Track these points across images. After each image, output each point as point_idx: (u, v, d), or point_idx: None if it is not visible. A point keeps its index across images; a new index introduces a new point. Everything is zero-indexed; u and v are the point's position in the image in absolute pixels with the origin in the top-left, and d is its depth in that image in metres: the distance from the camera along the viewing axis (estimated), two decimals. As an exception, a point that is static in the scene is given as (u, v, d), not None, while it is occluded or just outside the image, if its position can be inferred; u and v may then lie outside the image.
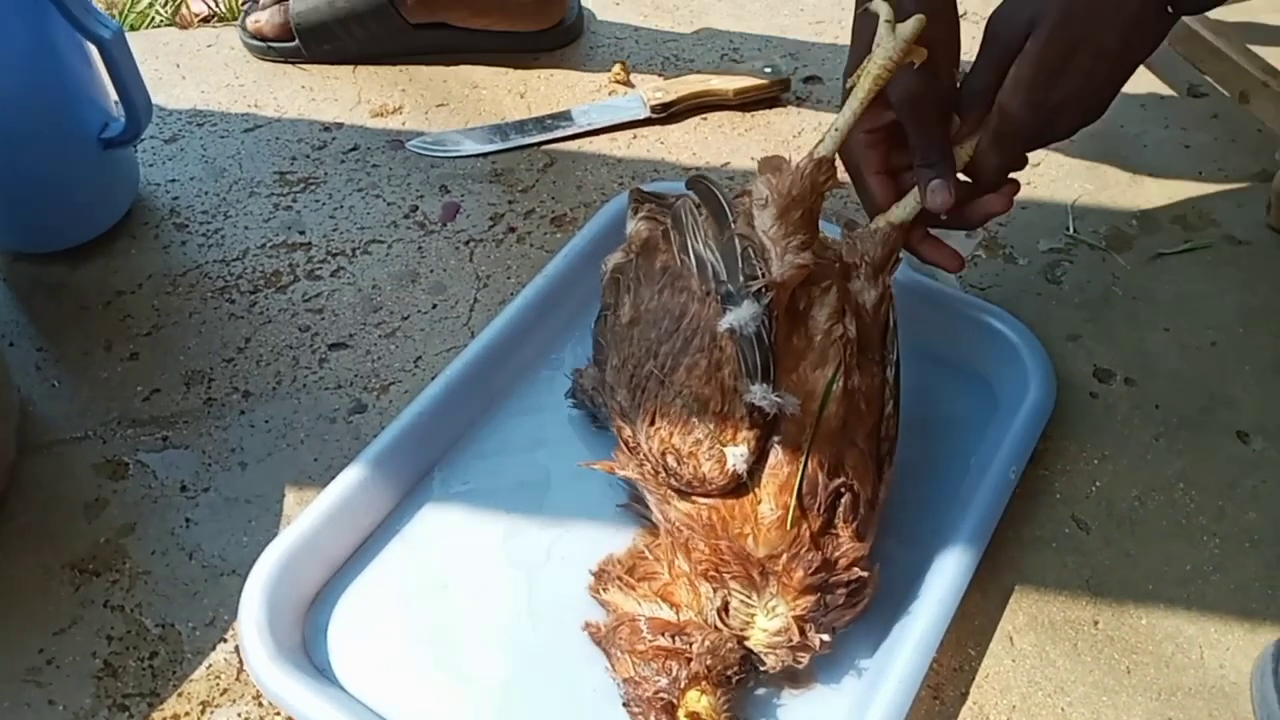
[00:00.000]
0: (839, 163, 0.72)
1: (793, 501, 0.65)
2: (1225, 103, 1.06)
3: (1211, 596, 0.75)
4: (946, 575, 0.70)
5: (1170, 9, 0.64)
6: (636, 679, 0.65)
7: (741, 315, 0.66)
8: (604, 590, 0.70)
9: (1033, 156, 1.06)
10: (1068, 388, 0.86)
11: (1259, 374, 0.89)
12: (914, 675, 0.66)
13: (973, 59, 0.70)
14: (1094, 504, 0.80)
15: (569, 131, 1.07)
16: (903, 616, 0.70)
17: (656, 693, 0.64)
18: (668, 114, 1.09)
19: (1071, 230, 1.00)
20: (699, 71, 1.14)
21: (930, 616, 0.68)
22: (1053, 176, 1.05)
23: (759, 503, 0.66)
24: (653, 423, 0.68)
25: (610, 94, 1.13)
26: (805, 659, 0.66)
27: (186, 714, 0.68)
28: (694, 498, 0.67)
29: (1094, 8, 0.63)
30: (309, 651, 0.70)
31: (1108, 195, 1.03)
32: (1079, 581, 0.76)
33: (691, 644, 0.65)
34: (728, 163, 1.06)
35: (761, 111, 1.11)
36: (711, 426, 0.66)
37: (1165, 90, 1.14)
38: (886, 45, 0.67)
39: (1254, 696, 0.70)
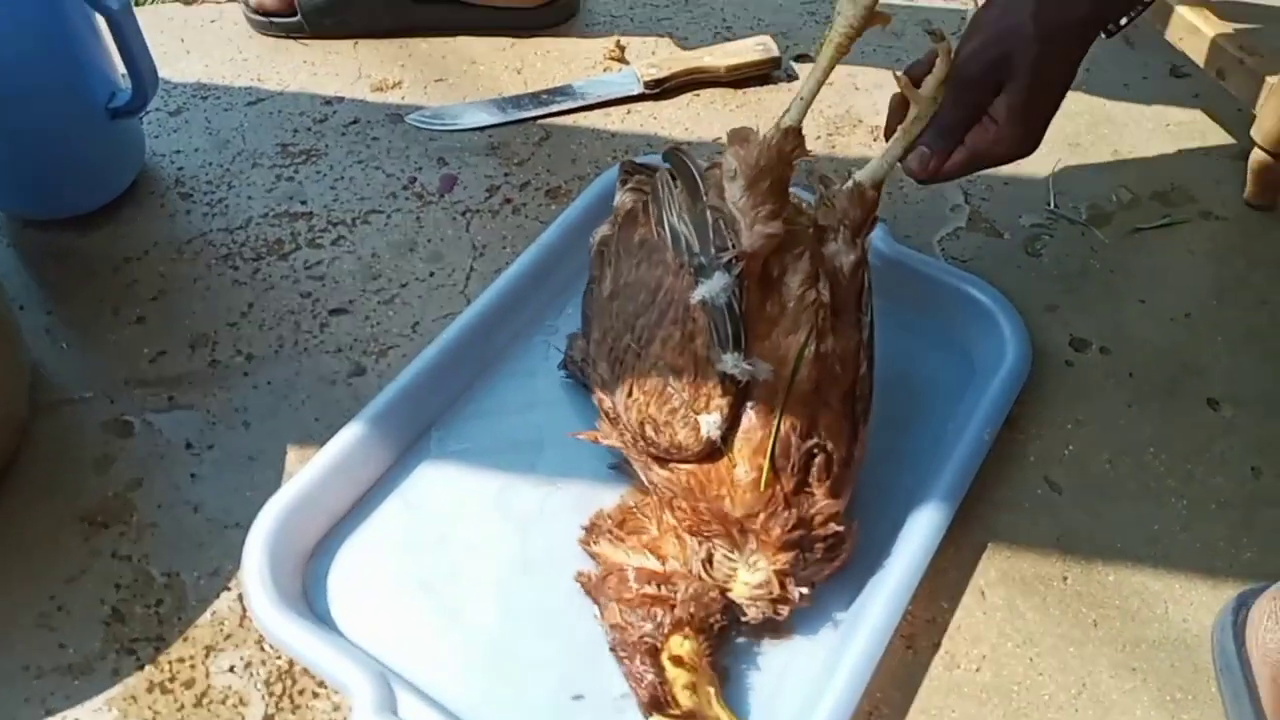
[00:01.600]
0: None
1: (766, 463, 0.68)
2: (1206, 82, 1.08)
3: (1177, 555, 0.78)
4: (921, 531, 0.73)
5: (1106, 34, 0.78)
6: (623, 625, 0.68)
7: (713, 287, 0.69)
8: (595, 543, 0.73)
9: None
10: (1044, 356, 0.89)
11: (1231, 345, 0.91)
12: (886, 626, 0.69)
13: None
14: (1066, 466, 0.83)
15: (564, 106, 1.10)
16: (878, 571, 0.73)
17: (642, 637, 0.67)
18: (661, 90, 1.12)
19: (1052, 205, 1.02)
20: (692, 48, 1.16)
21: (904, 570, 0.71)
22: (1036, 154, 1.06)
23: (734, 466, 0.68)
24: (631, 394, 0.71)
25: (605, 70, 1.15)
26: (785, 611, 0.69)
27: (191, 658, 0.71)
28: (672, 464, 0.70)
29: (1057, 49, 0.74)
30: (309, 599, 0.73)
31: (1088, 172, 1.06)
32: (1049, 540, 0.79)
33: (676, 592, 0.68)
34: (719, 138, 1.08)
35: (753, 89, 1.14)
36: (686, 396, 0.69)
37: (1148, 70, 1.17)
38: (846, 13, 0.70)
39: (1214, 648, 0.73)
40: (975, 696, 0.71)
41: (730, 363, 0.68)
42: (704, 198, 0.73)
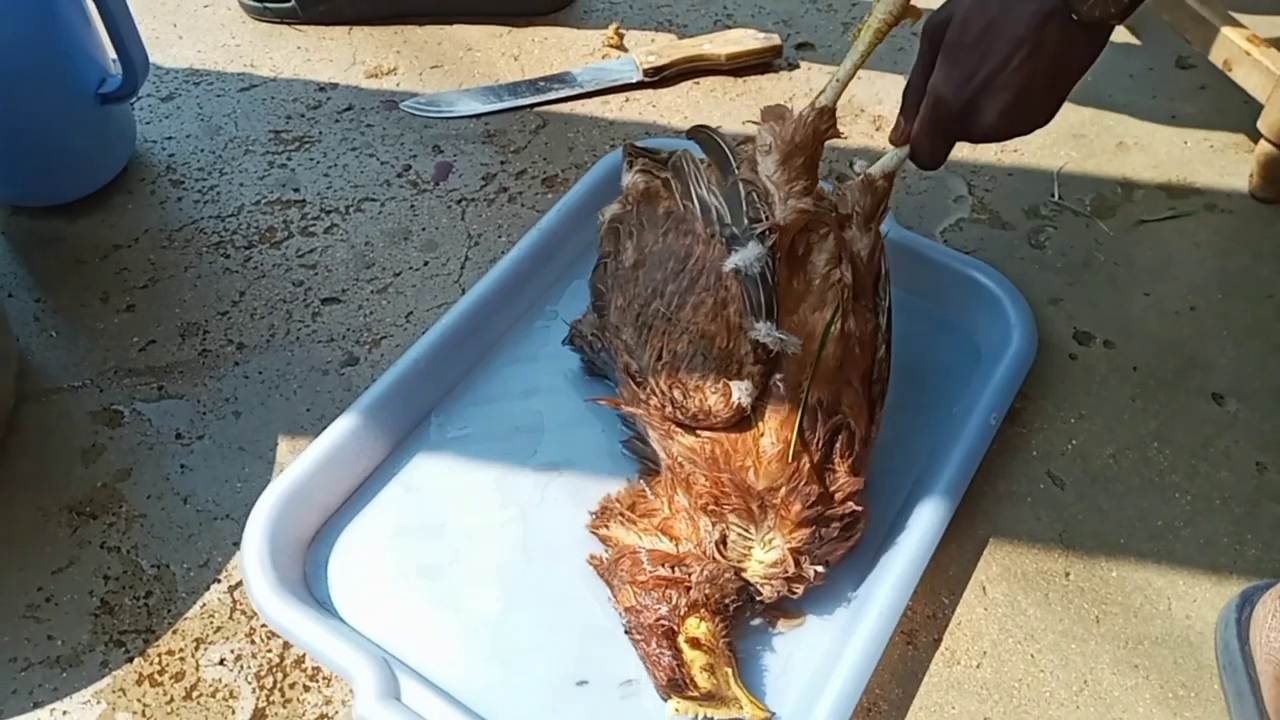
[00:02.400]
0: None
1: (794, 436, 0.67)
2: (1213, 74, 1.07)
3: (1181, 551, 0.77)
4: (928, 516, 0.72)
5: (1074, 16, 0.63)
6: (638, 607, 0.67)
7: (746, 256, 0.69)
8: (605, 526, 0.72)
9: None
10: (1048, 349, 0.88)
11: (1236, 338, 0.90)
12: (893, 611, 0.68)
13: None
14: (1069, 461, 0.82)
15: (562, 94, 1.08)
16: (885, 553, 0.72)
17: (658, 620, 0.66)
18: (660, 78, 1.10)
19: (1057, 197, 1.01)
20: (692, 36, 1.15)
21: (911, 556, 0.70)
22: (1040, 144, 1.06)
23: (761, 436, 0.68)
24: (660, 358, 0.71)
25: (604, 57, 1.14)
26: (800, 590, 0.69)
27: (181, 650, 0.70)
28: (698, 431, 0.70)
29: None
30: (310, 586, 0.72)
31: (1093, 163, 1.05)
32: (1052, 535, 0.78)
33: (691, 574, 0.67)
34: (719, 127, 1.06)
35: (753, 77, 1.12)
36: (717, 361, 0.69)
37: (1153, 61, 1.15)
38: (887, 1, 0.70)
39: (1217, 645, 0.72)
40: (975, 693, 0.70)
41: (763, 331, 0.68)
42: (735, 172, 0.73)
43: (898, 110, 0.73)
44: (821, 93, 0.74)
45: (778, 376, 0.69)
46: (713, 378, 0.68)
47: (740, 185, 0.72)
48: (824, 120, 0.74)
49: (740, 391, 0.67)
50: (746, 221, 0.71)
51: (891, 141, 0.75)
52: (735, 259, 0.69)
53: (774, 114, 0.75)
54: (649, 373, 0.71)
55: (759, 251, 0.69)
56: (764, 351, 0.68)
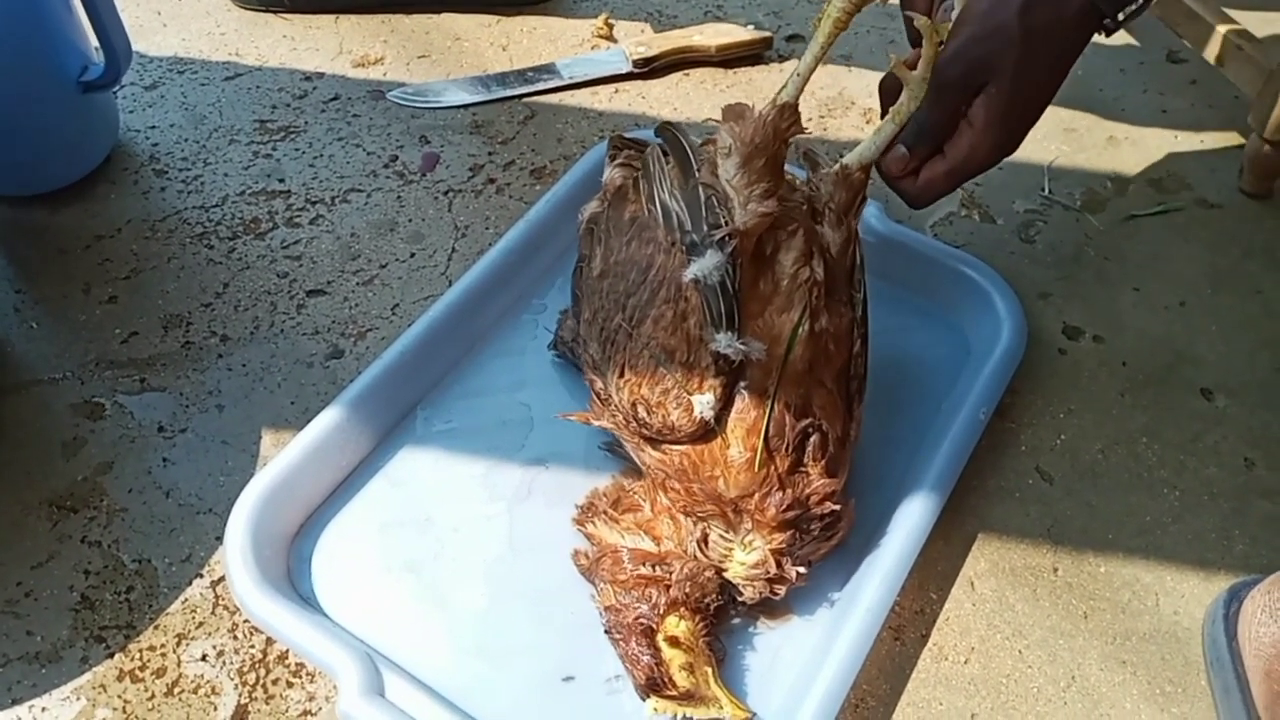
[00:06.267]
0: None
1: (760, 444, 0.66)
2: (1203, 69, 1.07)
3: (1169, 546, 0.77)
4: (916, 511, 0.72)
5: (1111, 19, 0.69)
6: (618, 606, 0.67)
7: (705, 265, 0.67)
8: (589, 523, 0.71)
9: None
10: (1037, 344, 0.88)
11: (1225, 334, 0.90)
12: (880, 609, 0.68)
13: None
14: (1058, 456, 0.81)
15: (550, 84, 1.07)
16: (873, 550, 0.71)
17: (637, 618, 0.66)
18: (650, 69, 1.09)
19: (1047, 191, 1.01)
20: (682, 27, 1.14)
21: (898, 551, 0.70)
22: (1030, 139, 1.04)
23: (727, 447, 0.67)
24: (622, 374, 0.69)
25: (593, 48, 1.13)
26: (782, 591, 0.68)
27: (162, 645, 0.69)
28: (665, 445, 0.69)
29: (1045, 51, 0.68)
30: (293, 581, 0.71)
31: (1084, 157, 1.04)
32: (1040, 530, 0.77)
33: (671, 572, 0.67)
34: (709, 119, 1.06)
35: (744, 69, 1.12)
36: (679, 376, 0.67)
37: (1144, 55, 1.15)
38: None
39: (1205, 641, 0.72)
40: (963, 689, 0.70)
41: (723, 342, 0.66)
42: (696, 174, 0.71)
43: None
44: (783, 88, 0.71)
45: (743, 384, 0.67)
46: (674, 393, 0.67)
47: (700, 189, 0.70)
48: (785, 118, 0.70)
49: (701, 406, 0.66)
50: (706, 228, 0.68)
51: (885, 173, 0.74)
52: (694, 269, 0.67)
53: (734, 113, 0.72)
54: (612, 388, 0.70)
55: (718, 260, 0.67)
56: (725, 363, 0.66)
